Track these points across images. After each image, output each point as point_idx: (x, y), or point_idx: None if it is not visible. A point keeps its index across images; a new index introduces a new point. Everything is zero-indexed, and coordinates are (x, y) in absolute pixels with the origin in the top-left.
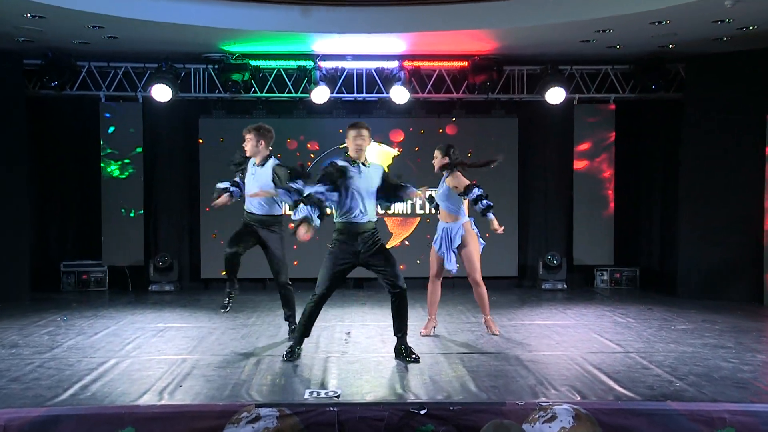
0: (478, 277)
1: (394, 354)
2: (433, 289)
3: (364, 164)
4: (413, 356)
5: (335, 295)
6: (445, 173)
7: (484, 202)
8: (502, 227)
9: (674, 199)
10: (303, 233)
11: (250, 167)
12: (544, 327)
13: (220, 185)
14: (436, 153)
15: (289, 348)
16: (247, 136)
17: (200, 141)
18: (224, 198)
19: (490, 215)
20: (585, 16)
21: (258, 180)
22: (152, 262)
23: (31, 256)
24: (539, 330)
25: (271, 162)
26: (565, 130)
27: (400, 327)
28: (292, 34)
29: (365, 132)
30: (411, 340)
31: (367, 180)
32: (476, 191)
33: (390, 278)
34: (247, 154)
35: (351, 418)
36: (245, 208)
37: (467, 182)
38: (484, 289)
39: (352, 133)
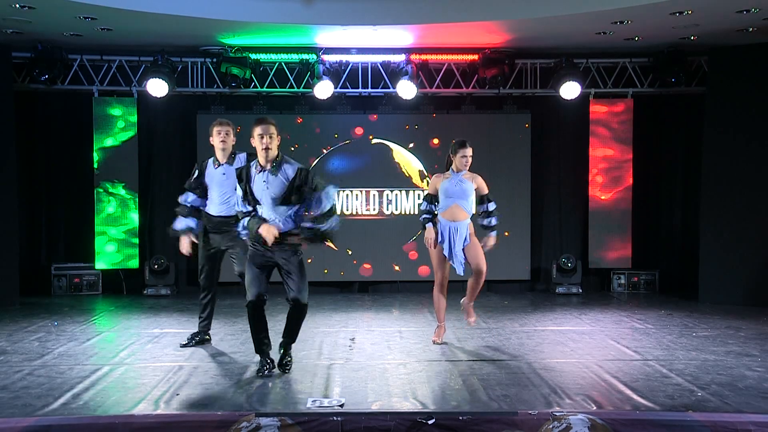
0: (484, 266)
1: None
2: (440, 296)
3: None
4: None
5: (339, 300)
6: (463, 171)
7: (493, 219)
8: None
9: (695, 199)
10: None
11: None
12: (558, 333)
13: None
14: (471, 149)
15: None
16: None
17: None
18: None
19: (494, 233)
20: (601, 7)
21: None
22: (148, 264)
23: (20, 259)
24: (553, 336)
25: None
26: (581, 127)
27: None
28: (294, 26)
29: (273, 129)
30: (419, 347)
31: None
32: (490, 205)
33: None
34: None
35: (355, 428)
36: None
37: (486, 186)
38: (483, 279)
39: (257, 130)
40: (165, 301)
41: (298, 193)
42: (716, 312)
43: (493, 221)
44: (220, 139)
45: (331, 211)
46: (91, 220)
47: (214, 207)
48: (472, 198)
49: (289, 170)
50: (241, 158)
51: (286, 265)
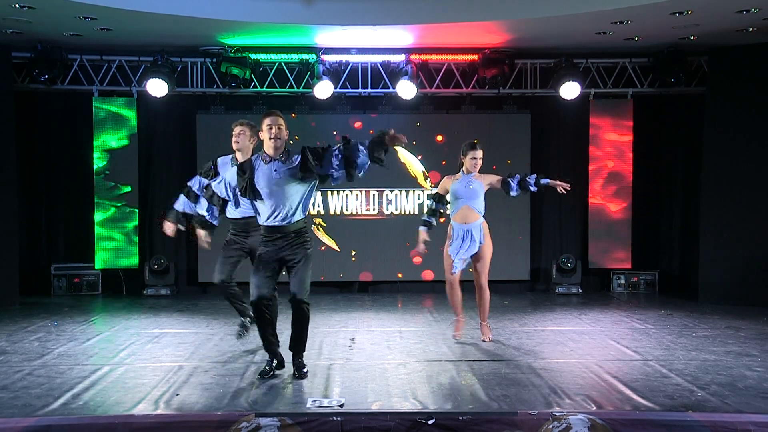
0: (486, 281)
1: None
2: (453, 291)
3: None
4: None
5: (339, 300)
6: (473, 172)
7: (531, 177)
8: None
9: (695, 199)
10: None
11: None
12: (558, 333)
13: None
14: (481, 152)
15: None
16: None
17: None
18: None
19: (546, 180)
20: (601, 7)
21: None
22: (148, 264)
23: (20, 259)
24: (553, 336)
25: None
26: (581, 127)
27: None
28: (294, 26)
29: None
30: (419, 347)
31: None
32: (518, 176)
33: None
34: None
35: (355, 428)
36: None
37: (497, 175)
38: (488, 294)
39: (266, 121)
40: (165, 301)
41: (318, 160)
42: (716, 312)
43: (531, 181)
44: (233, 140)
45: (354, 156)
46: (91, 220)
47: (235, 209)
48: (482, 198)
49: (295, 156)
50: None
51: (292, 261)
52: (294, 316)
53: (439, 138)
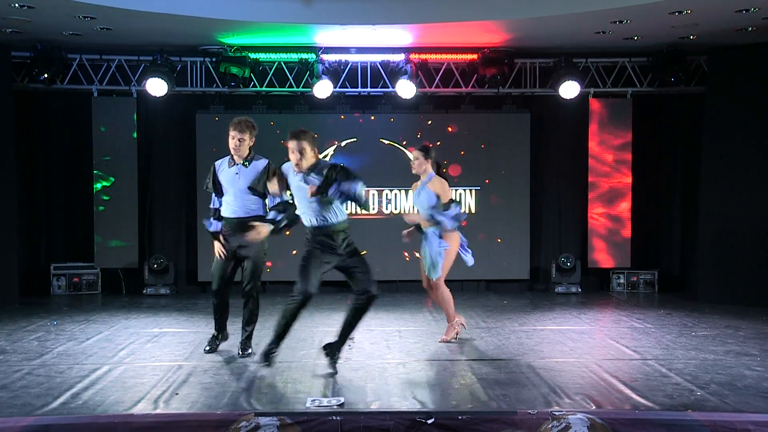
0: (434, 277)
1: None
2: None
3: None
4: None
5: (339, 300)
6: (427, 177)
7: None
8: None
9: (695, 199)
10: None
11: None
12: (558, 332)
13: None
14: (417, 155)
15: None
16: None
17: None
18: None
19: (412, 224)
20: (601, 6)
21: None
22: (147, 264)
23: (19, 258)
24: (552, 336)
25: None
26: (580, 126)
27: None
28: (294, 26)
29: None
30: (418, 346)
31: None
32: (457, 209)
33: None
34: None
35: (355, 428)
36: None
37: (450, 195)
38: (444, 292)
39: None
40: (164, 301)
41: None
42: (715, 311)
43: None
44: (235, 143)
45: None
46: (91, 220)
47: (228, 208)
48: (432, 206)
49: (318, 175)
50: (257, 164)
51: (345, 262)
52: (364, 306)
53: (450, 129)
